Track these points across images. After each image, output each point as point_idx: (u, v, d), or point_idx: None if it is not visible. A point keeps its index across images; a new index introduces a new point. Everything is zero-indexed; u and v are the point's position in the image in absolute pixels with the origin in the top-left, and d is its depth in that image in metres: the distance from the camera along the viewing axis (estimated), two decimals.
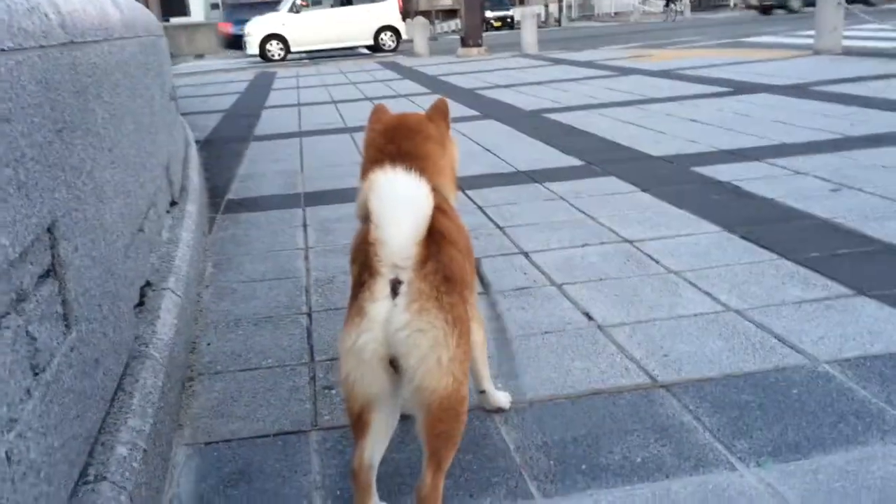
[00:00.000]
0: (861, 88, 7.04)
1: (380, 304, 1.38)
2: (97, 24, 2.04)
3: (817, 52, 10.43)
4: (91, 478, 1.33)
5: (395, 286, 1.38)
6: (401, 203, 1.39)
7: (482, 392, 1.94)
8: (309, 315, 2.71)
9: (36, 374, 1.19)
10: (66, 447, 1.27)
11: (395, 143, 1.82)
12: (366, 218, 1.43)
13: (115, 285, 1.82)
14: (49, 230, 1.36)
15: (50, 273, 1.36)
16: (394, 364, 1.40)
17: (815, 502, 1.54)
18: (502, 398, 1.98)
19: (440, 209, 1.61)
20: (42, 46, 1.45)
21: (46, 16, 1.54)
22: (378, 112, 1.96)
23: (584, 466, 1.72)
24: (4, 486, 1.00)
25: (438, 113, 1.93)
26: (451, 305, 1.42)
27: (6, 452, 1.02)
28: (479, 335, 1.84)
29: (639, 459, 1.73)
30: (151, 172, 2.79)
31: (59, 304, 1.37)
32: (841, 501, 1.53)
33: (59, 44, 1.59)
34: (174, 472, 1.74)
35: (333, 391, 2.12)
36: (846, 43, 10.57)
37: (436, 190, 1.71)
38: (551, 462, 1.75)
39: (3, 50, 1.21)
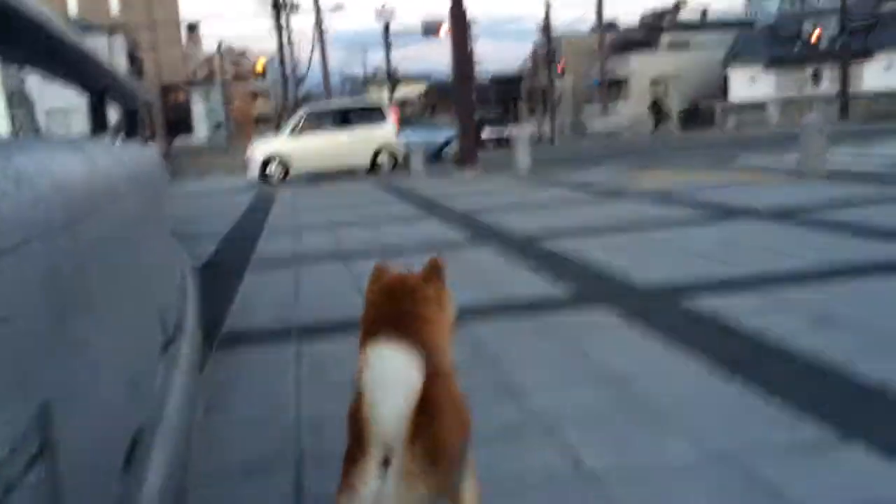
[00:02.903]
0: (847, 215, 7.23)
1: (369, 483, 1.41)
2: (101, 192, 2.14)
3: (803, 175, 10.75)
4: None
5: (385, 461, 1.41)
6: (392, 383, 1.44)
7: None
8: (297, 465, 2.70)
9: None
10: None
11: (394, 304, 1.90)
12: (360, 390, 1.48)
13: (106, 454, 1.83)
14: (41, 415, 1.40)
15: (38, 457, 1.38)
16: None
17: None
18: None
19: (435, 375, 1.66)
20: (47, 234, 1.53)
21: (50, 201, 1.63)
22: (378, 272, 2.04)
23: None
24: None
25: (434, 272, 2.01)
26: (438, 485, 1.44)
27: None
28: (472, 493, 1.83)
29: None
30: (147, 323, 2.85)
31: (47, 487, 1.39)
32: None
33: (62, 226, 1.67)
34: None
35: None
36: (831, 167, 10.93)
37: (433, 351, 1.78)
38: None
39: (9, 250, 1.28)
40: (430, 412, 1.50)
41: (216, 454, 2.83)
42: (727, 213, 8.05)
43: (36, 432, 1.37)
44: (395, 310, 1.90)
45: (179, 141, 31.06)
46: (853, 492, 2.23)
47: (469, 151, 17.47)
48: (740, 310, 4.25)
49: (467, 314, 4.62)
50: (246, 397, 3.45)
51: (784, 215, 7.53)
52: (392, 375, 1.45)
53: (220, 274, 6.90)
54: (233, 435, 3.01)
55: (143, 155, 3.79)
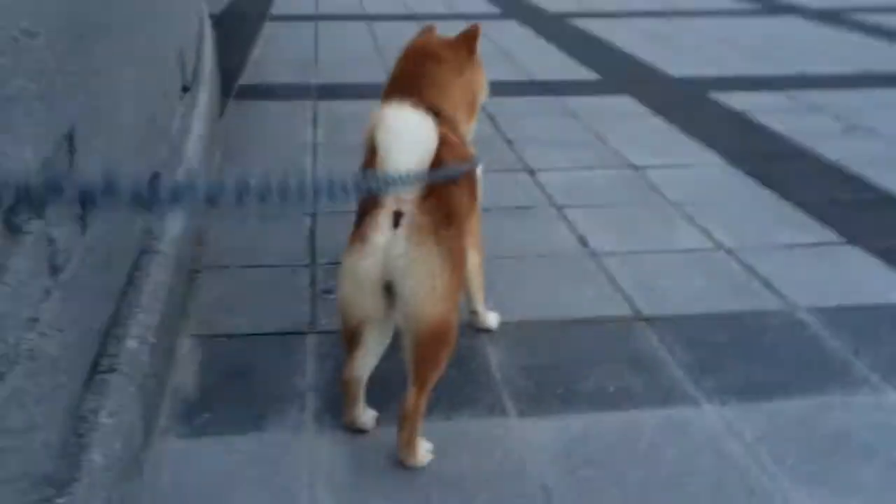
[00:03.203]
0: (893, 19, 6.84)
1: (381, 233, 1.46)
2: None
3: None
4: (103, 369, 1.44)
5: (396, 217, 1.45)
6: (406, 139, 1.44)
7: (473, 312, 2.04)
8: (313, 216, 2.78)
9: (54, 275, 1.28)
10: (80, 341, 1.37)
11: (410, 66, 1.87)
12: (372, 149, 1.48)
13: (128, 183, 1.88)
14: (68, 136, 1.42)
15: (66, 175, 1.43)
16: (389, 289, 1.49)
17: (769, 443, 1.66)
18: (491, 319, 2.07)
19: (445, 141, 1.67)
20: None
21: None
22: (421, 32, 1.98)
23: (560, 391, 1.84)
24: (27, 381, 1.11)
25: (464, 40, 1.94)
26: (447, 238, 1.50)
27: (28, 350, 1.12)
28: (476, 259, 1.92)
29: (611, 389, 1.85)
30: (165, 62, 2.80)
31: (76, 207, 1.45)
32: (793, 445, 1.65)
33: None
34: (178, 361, 1.87)
35: (331, 296, 2.22)
36: None
37: (444, 118, 1.77)
38: (531, 384, 1.86)
39: None
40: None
41: None
42: (772, 7, 7.61)
43: (65, 154, 1.41)
44: (410, 71, 1.88)
45: None
46: (846, 289, 2.31)
47: None
48: (769, 109, 4.16)
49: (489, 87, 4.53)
50: (261, 148, 3.49)
51: (830, 15, 7.12)
52: (407, 130, 1.45)
53: (239, 24, 6.68)
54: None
55: None
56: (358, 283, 1.49)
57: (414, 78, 1.85)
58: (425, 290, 1.46)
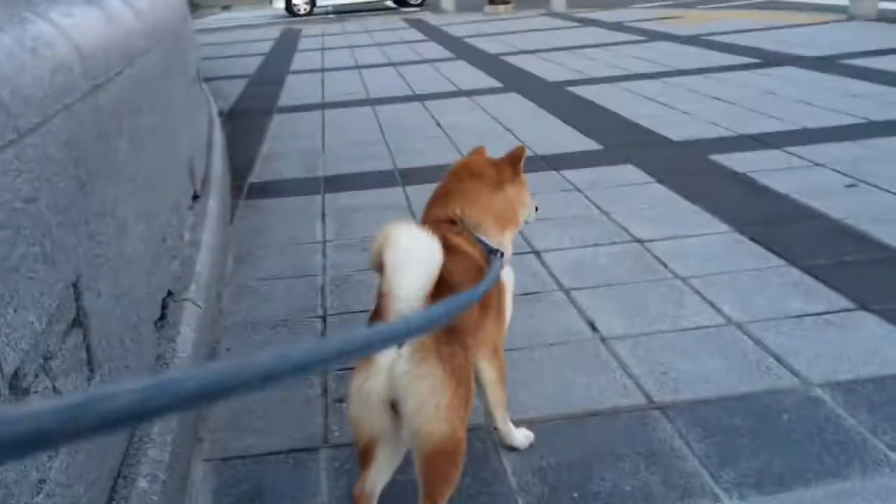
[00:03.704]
0: (892, 63, 6.90)
1: (386, 352, 1.48)
2: (120, 52, 2.12)
3: (852, 17, 10.18)
4: None
5: None
6: (411, 259, 1.48)
7: (495, 429, 1.99)
8: (324, 319, 2.82)
9: None
10: (90, 490, 1.39)
11: (449, 180, 1.96)
12: (379, 267, 1.52)
13: (137, 312, 1.93)
14: (73, 285, 1.47)
15: (75, 324, 1.47)
16: (395, 407, 1.50)
17: None
18: (518, 437, 2.00)
19: (458, 251, 1.71)
20: (67, 106, 1.53)
21: (71, 69, 1.63)
22: (472, 153, 2.06)
23: (576, 494, 1.82)
24: None
25: (509, 160, 2.00)
26: (451, 356, 1.51)
27: None
28: (492, 374, 1.88)
29: (628, 488, 1.83)
30: (174, 177, 2.89)
31: (83, 352, 1.49)
32: None
33: (83, 94, 1.67)
34: (193, 489, 1.88)
35: (343, 404, 2.24)
36: (882, 6, 10.29)
37: (465, 225, 1.81)
38: (545, 488, 1.85)
39: (31, 130, 1.30)
40: (445, 292, 1.55)
41: (245, 307, 2.96)
42: (766, 59, 7.71)
43: (70, 303, 1.45)
44: (449, 185, 1.95)
45: None
46: (860, 360, 2.29)
47: None
48: (770, 168, 4.19)
49: None
50: (272, 251, 3.55)
51: (825, 62, 7.20)
52: (413, 250, 1.49)
53: (248, 118, 6.87)
54: (260, 289, 3.12)
55: (166, 4, 3.68)
56: (365, 402, 1.51)
57: (449, 191, 1.92)
58: (428, 409, 1.48)
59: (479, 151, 2.10)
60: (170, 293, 2.48)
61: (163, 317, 2.31)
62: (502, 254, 1.86)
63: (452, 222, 1.87)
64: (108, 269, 1.71)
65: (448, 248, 1.65)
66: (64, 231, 1.44)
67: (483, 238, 1.85)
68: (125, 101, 2.11)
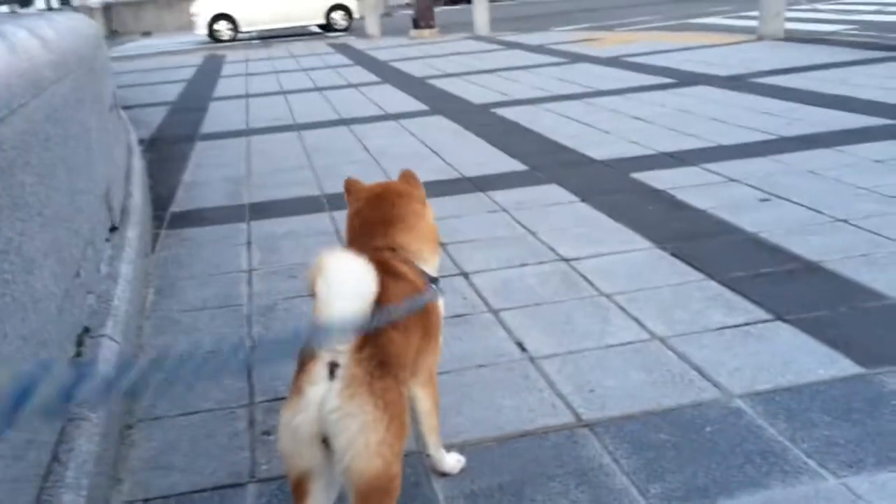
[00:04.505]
0: (799, 81, 7.22)
1: (317, 386, 1.45)
2: (26, 84, 2.04)
3: (761, 38, 10.63)
4: None
5: (332, 368, 1.45)
6: (344, 290, 1.45)
7: (428, 455, 1.97)
8: (252, 349, 2.74)
9: None
10: None
11: (379, 210, 1.87)
12: (312, 295, 1.49)
13: (49, 352, 1.85)
14: None
15: None
16: (326, 442, 1.47)
17: None
18: (451, 463, 1.99)
19: (400, 277, 1.69)
20: None
21: None
22: (352, 185, 1.98)
23: None
24: None
25: (412, 179, 1.98)
26: (383, 390, 1.49)
27: None
28: (426, 404, 1.86)
29: None
30: (88, 210, 2.80)
31: None
32: None
33: None
34: None
35: (271, 437, 2.19)
36: (788, 26, 10.79)
37: (408, 253, 1.79)
38: None
39: None
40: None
41: (167, 340, 2.87)
42: (681, 79, 7.98)
43: None
44: (381, 215, 1.88)
45: None
46: (777, 370, 2.36)
47: (426, 11, 16.80)
48: (688, 184, 4.32)
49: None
50: (196, 282, 3.46)
51: (737, 81, 7.49)
52: (346, 281, 1.46)
53: (170, 146, 6.72)
54: (183, 321, 3.04)
55: (74, 28, 3.59)
56: (295, 437, 1.48)
57: (384, 219, 1.85)
58: (359, 445, 1.45)
59: (352, 183, 2.03)
60: (86, 329, 2.38)
61: (78, 354, 2.22)
62: (437, 280, 1.85)
63: (392, 250, 1.83)
64: (14, 309, 1.64)
65: (393, 275, 1.64)
66: None
67: (422, 266, 1.83)
68: (31, 133, 2.03)
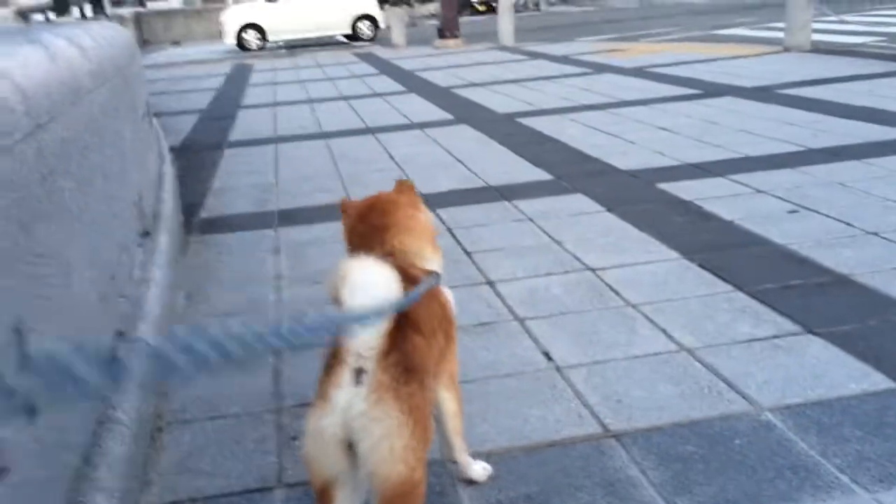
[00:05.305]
0: (826, 92, 7.16)
1: (342, 391, 1.46)
2: (65, 92, 2.09)
3: (787, 49, 10.56)
4: None
5: (358, 374, 1.47)
6: (368, 296, 1.46)
7: (453, 462, 1.97)
8: (276, 354, 2.78)
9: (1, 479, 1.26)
10: None
11: (372, 220, 1.90)
12: (336, 302, 1.51)
13: (86, 357, 1.88)
14: (15, 329, 1.43)
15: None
16: (352, 448, 1.48)
17: None
18: (477, 471, 1.99)
19: (408, 277, 1.69)
20: (7, 147, 1.50)
21: (13, 110, 1.60)
22: (346, 204, 2.01)
23: None
24: None
25: (405, 188, 2.00)
26: (408, 395, 1.50)
27: None
28: (452, 405, 1.87)
29: None
30: (122, 217, 2.84)
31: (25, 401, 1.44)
32: None
33: (25, 135, 1.64)
34: None
35: (298, 442, 2.20)
36: (815, 38, 10.70)
37: (409, 255, 1.81)
38: None
39: None
40: (403, 328, 1.54)
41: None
42: (707, 90, 7.94)
43: (12, 348, 1.41)
44: (374, 225, 1.91)
45: (151, 4, 29.73)
46: (808, 383, 2.34)
47: (451, 21, 16.89)
48: (715, 195, 4.29)
49: (443, 198, 4.63)
50: (225, 287, 3.50)
51: (764, 93, 7.44)
52: (370, 287, 1.47)
53: (199, 153, 6.81)
54: (213, 324, 3.07)
55: (110, 37, 3.65)
56: (320, 443, 1.49)
57: (381, 227, 1.87)
58: (384, 450, 1.46)
59: (345, 203, 2.04)
60: (119, 333, 2.42)
61: (113, 359, 2.25)
62: (438, 274, 1.84)
63: (391, 255, 1.84)
64: (52, 312, 1.67)
65: (408, 279, 1.65)
66: (2, 273, 1.40)
67: (426, 265, 1.84)
68: (71, 140, 2.08)
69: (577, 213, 4.24)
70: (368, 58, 15.49)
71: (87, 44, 2.81)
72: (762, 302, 2.92)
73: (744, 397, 2.29)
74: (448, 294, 1.88)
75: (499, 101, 8.39)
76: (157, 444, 2.24)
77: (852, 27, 13.31)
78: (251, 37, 20.76)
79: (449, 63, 13.09)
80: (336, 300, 1.50)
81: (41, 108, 1.82)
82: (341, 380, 1.47)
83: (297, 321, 1.16)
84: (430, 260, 1.89)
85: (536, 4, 37.77)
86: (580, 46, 14.19)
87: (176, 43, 26.52)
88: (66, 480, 1.62)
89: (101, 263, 2.30)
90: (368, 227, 1.89)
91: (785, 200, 4.11)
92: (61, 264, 1.80)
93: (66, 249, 1.87)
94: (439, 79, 10.92)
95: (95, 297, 2.13)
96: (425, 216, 1.99)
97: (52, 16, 23.01)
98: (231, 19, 20.80)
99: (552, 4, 38.53)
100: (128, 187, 3.11)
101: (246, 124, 8.22)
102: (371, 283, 1.48)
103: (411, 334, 1.58)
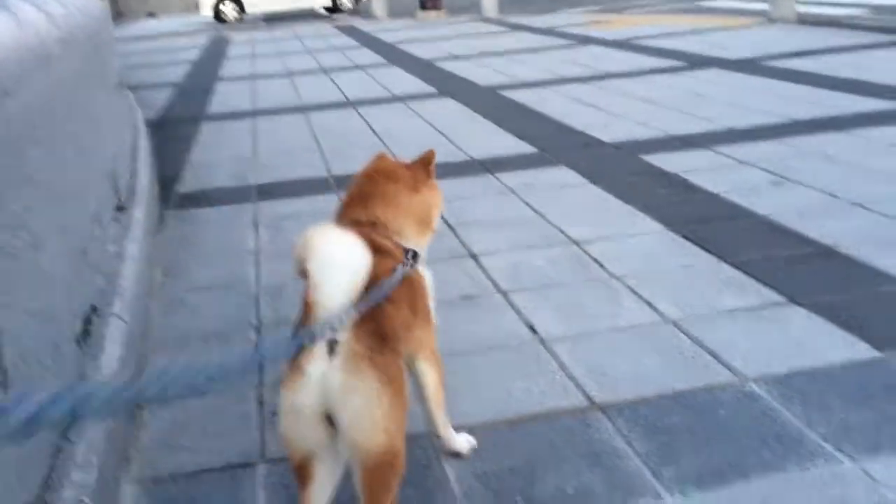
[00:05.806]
0: (812, 64, 7.14)
1: (317, 363, 1.42)
2: (33, 59, 2.01)
3: (772, 21, 10.52)
4: None
5: (331, 345, 1.43)
6: (336, 266, 1.42)
7: (436, 437, 1.94)
8: (258, 329, 2.74)
9: None
10: None
11: (363, 184, 1.90)
12: (304, 274, 1.46)
13: (57, 329, 1.83)
14: None
15: None
16: (331, 420, 1.45)
17: None
18: (461, 444, 1.97)
19: (380, 250, 1.65)
20: None
21: None
22: (374, 158, 1.99)
23: (519, 498, 1.80)
24: None
25: (420, 161, 1.98)
26: (384, 364, 1.47)
27: None
28: (431, 377, 1.83)
29: (571, 490, 1.82)
30: (95, 188, 2.77)
31: None
32: None
33: None
34: None
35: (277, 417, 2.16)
36: (800, 9, 10.66)
37: (390, 231, 1.77)
38: (489, 494, 1.82)
39: None
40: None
41: (175, 321, 2.85)
42: (692, 61, 7.89)
43: None
44: (364, 188, 1.90)
45: None
46: (792, 352, 2.33)
47: None
48: (699, 168, 4.27)
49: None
50: (203, 261, 3.44)
51: (749, 64, 7.41)
52: (338, 257, 1.43)
53: (176, 127, 6.69)
54: (191, 301, 3.02)
55: (81, 5, 3.54)
56: (297, 417, 1.45)
57: (367, 194, 1.87)
58: (364, 420, 1.43)
59: (381, 157, 2.04)
60: (94, 308, 2.36)
61: (86, 333, 2.20)
62: (416, 253, 1.81)
63: (372, 225, 1.81)
64: (21, 285, 1.62)
65: (376, 250, 1.60)
66: None
67: (403, 243, 1.81)
68: (38, 107, 2.01)
69: (561, 185, 4.20)
70: (349, 30, 15.29)
71: (55, 10, 2.72)
72: (746, 273, 2.91)
73: (728, 368, 2.28)
74: (426, 274, 1.85)
75: (482, 74, 8.30)
76: (138, 420, 2.20)
77: None
78: (228, 8, 20.43)
79: (431, 35, 12.94)
80: (302, 273, 1.45)
81: (7, 73, 1.75)
82: (315, 352, 1.42)
83: (264, 343, 1.15)
84: (410, 239, 1.84)
85: None
86: (564, 18, 14.07)
87: (151, 15, 26.05)
88: (44, 457, 1.57)
89: (72, 236, 2.24)
90: (358, 191, 1.89)
91: (770, 172, 4.10)
92: (30, 236, 1.75)
93: (35, 220, 1.81)
94: (422, 51, 10.79)
95: (67, 270, 2.08)
96: (427, 196, 1.94)
97: None
98: None
99: None
100: (100, 159, 3.04)
101: (224, 97, 8.09)
102: (338, 256, 1.43)
103: (384, 302, 1.54)
